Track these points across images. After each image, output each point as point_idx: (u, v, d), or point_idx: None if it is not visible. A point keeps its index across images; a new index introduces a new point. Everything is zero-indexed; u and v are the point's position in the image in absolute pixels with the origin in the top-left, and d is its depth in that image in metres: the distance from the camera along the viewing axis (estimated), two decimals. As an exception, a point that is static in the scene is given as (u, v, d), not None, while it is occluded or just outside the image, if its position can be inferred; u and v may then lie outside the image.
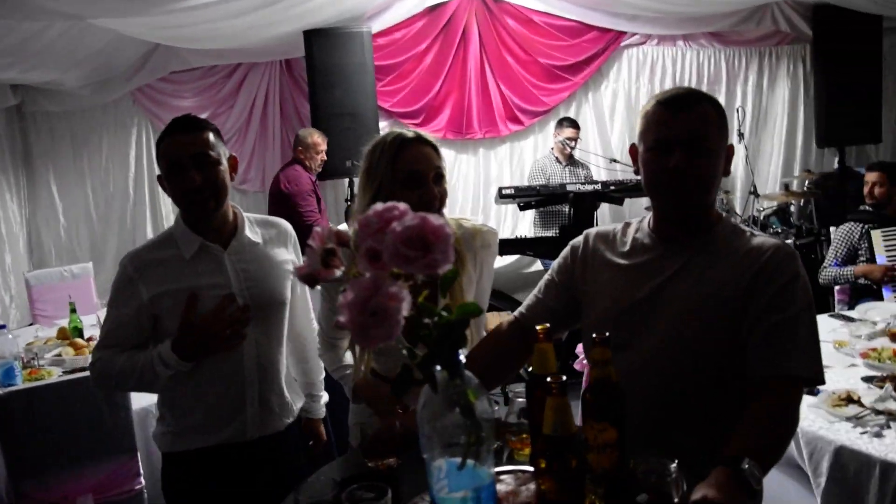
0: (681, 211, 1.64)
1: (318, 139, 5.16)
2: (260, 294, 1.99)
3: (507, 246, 4.60)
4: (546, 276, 1.87)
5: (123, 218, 5.98)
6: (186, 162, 1.86)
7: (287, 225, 2.18)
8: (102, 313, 3.43)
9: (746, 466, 1.26)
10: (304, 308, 2.25)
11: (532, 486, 1.24)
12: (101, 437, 2.92)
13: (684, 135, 1.55)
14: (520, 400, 1.49)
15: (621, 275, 1.69)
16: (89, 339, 3.43)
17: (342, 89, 5.55)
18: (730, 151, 1.64)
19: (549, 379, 1.08)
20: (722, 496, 1.17)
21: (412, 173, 1.83)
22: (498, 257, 4.73)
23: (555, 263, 1.87)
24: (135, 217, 5.99)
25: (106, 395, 2.90)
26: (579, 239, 1.84)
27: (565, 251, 1.86)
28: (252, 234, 2.04)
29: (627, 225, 1.79)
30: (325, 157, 5.20)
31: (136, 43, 5.26)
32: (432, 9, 6.09)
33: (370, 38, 5.67)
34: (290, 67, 6.10)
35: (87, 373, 2.94)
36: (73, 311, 3.65)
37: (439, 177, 1.87)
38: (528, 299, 1.87)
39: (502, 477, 1.30)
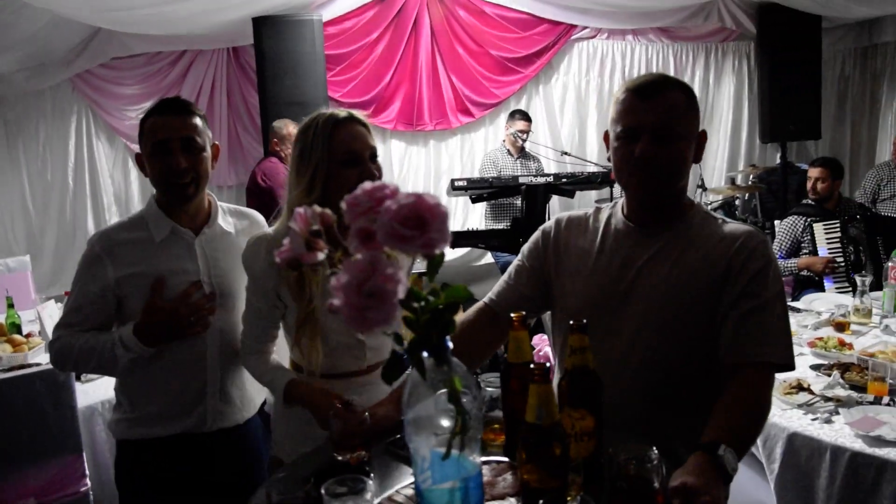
0: (649, 198, 1.64)
1: (294, 129, 5.05)
2: (227, 283, 1.97)
3: (459, 238, 4.56)
4: (516, 262, 1.83)
5: (63, 209, 5.76)
6: (175, 144, 1.85)
7: (260, 217, 2.15)
8: (42, 308, 3.34)
9: (722, 452, 1.27)
10: None
11: (508, 476, 1.22)
12: (44, 438, 2.79)
13: (650, 123, 1.55)
14: (490, 389, 1.46)
15: (595, 261, 1.69)
16: (28, 336, 3.29)
17: (292, 78, 5.44)
18: (702, 138, 1.64)
19: (532, 366, 1.06)
20: (700, 482, 1.17)
21: (350, 153, 1.78)
22: (448, 250, 4.69)
23: (525, 248, 1.84)
24: (75, 208, 5.78)
25: (50, 394, 2.78)
26: (550, 224, 1.82)
27: (536, 236, 1.83)
28: (225, 223, 2.02)
29: (599, 210, 1.78)
30: None
31: (76, 26, 5.07)
32: (383, -2, 6.03)
33: (321, 27, 5.58)
34: (237, 55, 5.96)
35: (27, 370, 2.84)
36: (11, 306, 3.50)
37: (374, 156, 1.84)
38: (497, 285, 1.84)
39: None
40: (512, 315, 1.32)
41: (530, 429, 1.05)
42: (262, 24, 5.40)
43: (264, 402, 2.23)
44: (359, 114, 1.86)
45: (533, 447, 1.06)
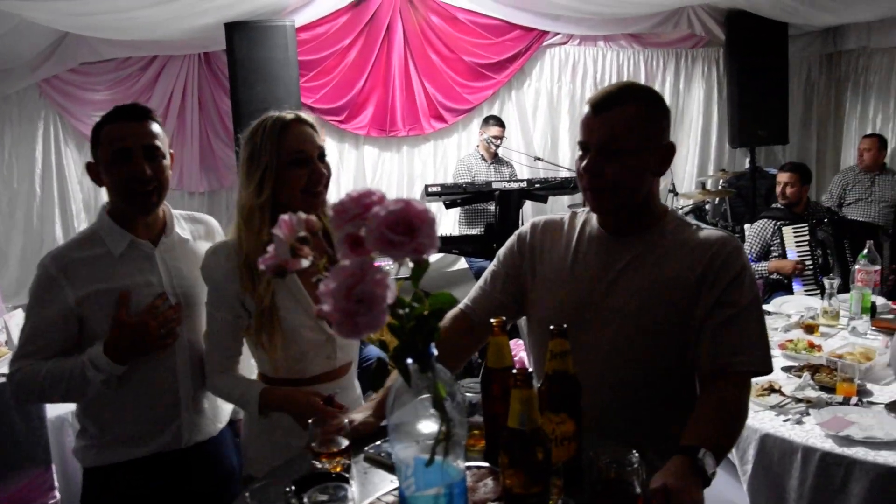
0: (600, 211, 1.66)
1: None
2: (191, 292, 1.93)
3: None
4: (491, 268, 1.84)
5: (29, 217, 5.65)
6: (138, 152, 1.79)
7: (213, 221, 2.12)
8: (9, 318, 3.27)
9: (702, 456, 1.29)
10: None
11: (490, 481, 1.22)
12: (12, 449, 2.74)
13: (596, 139, 1.56)
14: (470, 395, 1.47)
15: (571, 268, 1.69)
16: (-6, 344, 3.23)
17: (264, 84, 5.41)
18: (668, 149, 1.62)
19: (514, 371, 1.06)
20: (680, 483, 1.19)
21: (298, 153, 1.79)
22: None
23: (500, 253, 1.85)
24: (42, 216, 5.67)
25: (18, 405, 2.73)
26: (525, 228, 1.83)
27: (511, 241, 1.84)
28: (181, 230, 1.98)
29: (575, 214, 1.79)
30: None
31: (43, 31, 4.99)
32: (356, 4, 6.00)
33: (294, 32, 5.55)
34: (209, 61, 5.90)
35: (-3, 381, 2.79)
36: (-23, 314, 3.44)
37: (322, 155, 1.86)
38: (473, 291, 1.84)
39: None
40: (492, 320, 1.32)
41: (512, 434, 1.06)
42: (235, 30, 5.36)
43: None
44: (306, 115, 1.87)
45: (515, 452, 1.06)
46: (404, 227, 0.82)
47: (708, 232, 1.65)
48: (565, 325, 1.24)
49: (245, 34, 5.37)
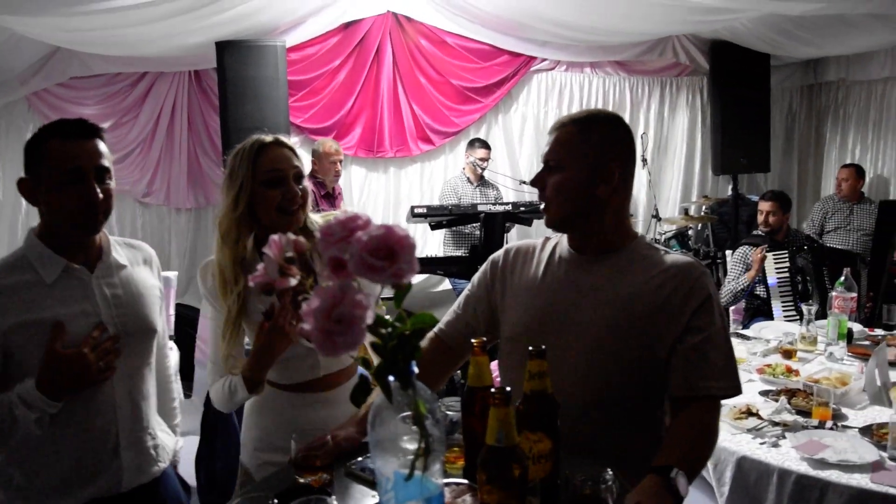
0: (547, 223, 1.75)
1: (330, 147, 5.27)
2: (131, 321, 1.81)
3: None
4: (465, 292, 1.91)
5: (14, 230, 5.64)
6: (91, 173, 1.69)
7: (148, 248, 2.02)
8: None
9: (674, 475, 1.32)
10: (161, 346, 2.03)
11: (468, 497, 1.25)
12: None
13: (544, 155, 1.73)
14: (451, 413, 1.50)
15: (540, 288, 1.75)
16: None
17: (253, 103, 5.45)
18: (608, 171, 1.67)
19: (493, 390, 1.10)
20: (653, 502, 1.22)
21: (272, 172, 1.87)
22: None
23: (474, 278, 1.91)
24: (28, 229, 5.65)
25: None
26: (499, 253, 1.90)
27: (485, 266, 1.90)
28: (118, 256, 1.87)
29: (547, 240, 1.85)
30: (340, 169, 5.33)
31: (35, 45, 5.01)
32: (347, 25, 6.07)
33: (284, 52, 5.60)
34: (199, 78, 5.94)
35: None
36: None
37: (298, 176, 1.92)
38: (447, 315, 1.91)
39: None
40: (473, 341, 1.36)
41: (490, 451, 1.09)
42: (225, 49, 5.40)
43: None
44: (285, 138, 1.95)
45: (493, 469, 1.09)
46: (385, 252, 0.86)
47: (675, 257, 1.71)
48: (544, 347, 1.28)
49: (235, 53, 5.42)
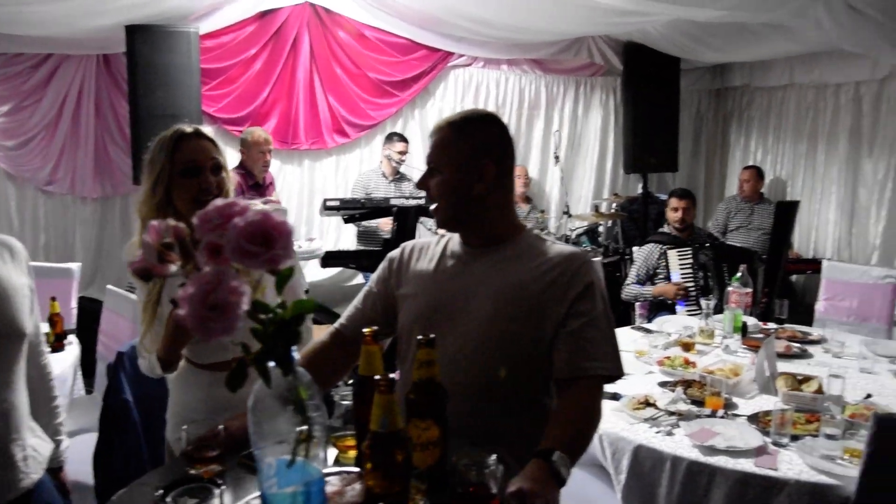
0: (438, 223, 1.82)
1: (259, 136, 5.18)
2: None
3: (330, 258, 4.59)
4: (365, 288, 1.98)
5: None
6: None
7: (19, 244, 1.88)
8: None
9: (556, 458, 1.37)
10: (35, 344, 1.92)
11: (357, 485, 1.26)
12: None
13: (426, 160, 1.81)
14: (346, 403, 1.51)
15: (433, 281, 1.82)
16: None
17: (165, 90, 5.29)
18: (483, 170, 1.74)
19: (377, 377, 1.11)
20: (535, 486, 1.26)
21: (189, 163, 1.92)
22: (320, 270, 4.66)
23: (374, 274, 1.98)
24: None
25: None
26: (396, 250, 1.97)
27: (383, 263, 1.97)
28: None
29: (443, 236, 1.92)
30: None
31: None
32: (263, 14, 5.96)
33: (197, 39, 5.46)
34: (108, 63, 5.72)
35: None
36: None
37: (217, 168, 1.97)
38: (347, 310, 1.97)
39: (328, 478, 1.31)
40: (364, 330, 1.39)
41: (374, 437, 1.11)
42: (136, 33, 5.23)
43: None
44: (205, 129, 2.00)
45: (376, 454, 1.11)
46: (261, 238, 0.86)
47: (560, 247, 1.79)
48: (433, 336, 1.31)
49: (147, 38, 5.25)
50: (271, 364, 0.93)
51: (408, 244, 1.96)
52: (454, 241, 1.87)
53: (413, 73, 6.56)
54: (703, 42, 6.07)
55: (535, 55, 6.89)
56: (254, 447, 1.03)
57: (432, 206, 1.80)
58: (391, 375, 1.10)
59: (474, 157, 1.73)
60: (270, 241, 0.87)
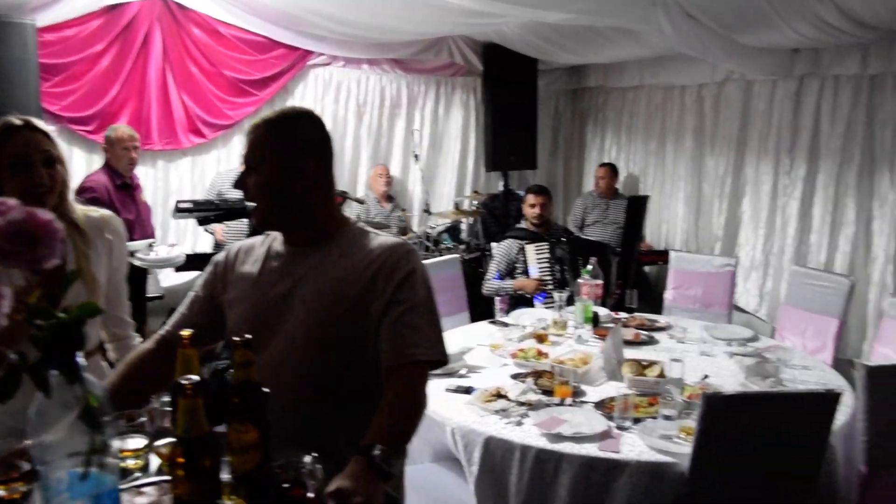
0: (258, 225, 1.81)
1: (124, 133, 4.84)
2: None
3: (188, 262, 4.45)
4: (191, 293, 1.92)
5: None
6: None
7: None
8: None
9: (378, 452, 1.36)
10: None
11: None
12: None
13: (243, 159, 1.78)
14: (167, 409, 1.45)
15: (257, 282, 1.79)
16: None
17: (-2, 86, 4.93)
18: (302, 168, 1.72)
19: (181, 381, 1.07)
20: (354, 485, 1.25)
21: (17, 157, 1.86)
22: (175, 274, 4.49)
23: (199, 279, 1.93)
24: None
25: None
26: (222, 253, 1.93)
27: (209, 267, 1.93)
28: None
29: (268, 236, 1.89)
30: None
31: None
32: (111, 8, 5.65)
33: (34, 33, 5.10)
34: (-70, 58, 5.28)
35: None
36: None
37: (49, 160, 1.91)
38: (173, 316, 1.91)
39: (145, 489, 1.26)
40: (182, 333, 1.34)
41: (180, 442, 1.06)
42: (-36, 25, 4.85)
43: None
44: (37, 121, 1.91)
45: (183, 461, 1.06)
46: (24, 238, 0.81)
47: (384, 239, 1.80)
48: (249, 336, 1.28)
49: (-24, 30, 4.87)
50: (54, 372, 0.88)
51: (234, 246, 1.92)
52: (278, 241, 1.84)
53: (271, 71, 6.42)
54: (558, 44, 6.27)
55: (396, 55, 6.91)
56: (36, 462, 0.96)
57: (250, 206, 1.75)
58: (195, 378, 1.06)
59: (292, 156, 1.71)
60: (35, 240, 0.81)
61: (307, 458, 1.12)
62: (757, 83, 5.73)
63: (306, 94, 6.71)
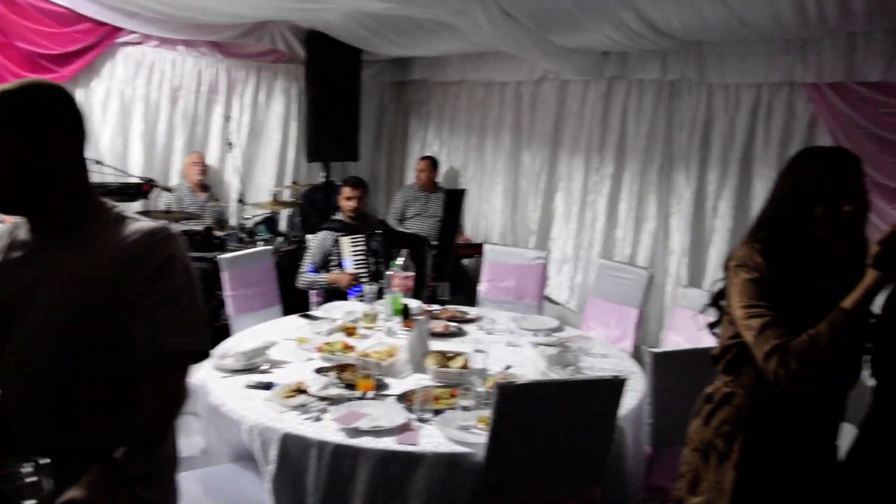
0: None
1: None
2: None
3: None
4: None
5: None
6: None
7: None
8: None
9: (119, 455, 1.28)
10: None
11: None
12: None
13: None
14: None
15: (2, 273, 1.64)
16: None
17: None
18: (44, 145, 1.59)
19: None
20: (88, 493, 1.16)
21: None
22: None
23: None
24: None
25: None
26: None
27: None
28: None
29: (17, 224, 1.73)
30: None
31: None
32: None
33: None
34: None
35: None
36: None
37: None
38: None
39: None
40: None
41: None
42: None
43: None
44: None
45: None
46: None
47: (141, 224, 1.68)
48: None
49: None
50: None
51: None
52: (24, 229, 1.69)
53: (74, 47, 5.97)
54: (381, 35, 6.25)
55: (215, 37, 6.61)
56: None
57: None
58: None
59: (34, 132, 1.56)
60: None
61: (26, 468, 1.01)
62: (571, 83, 5.98)
63: (115, 74, 6.31)
